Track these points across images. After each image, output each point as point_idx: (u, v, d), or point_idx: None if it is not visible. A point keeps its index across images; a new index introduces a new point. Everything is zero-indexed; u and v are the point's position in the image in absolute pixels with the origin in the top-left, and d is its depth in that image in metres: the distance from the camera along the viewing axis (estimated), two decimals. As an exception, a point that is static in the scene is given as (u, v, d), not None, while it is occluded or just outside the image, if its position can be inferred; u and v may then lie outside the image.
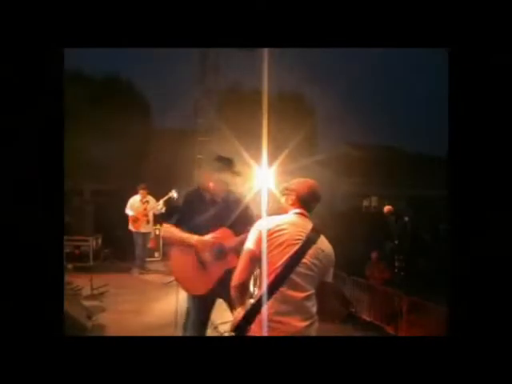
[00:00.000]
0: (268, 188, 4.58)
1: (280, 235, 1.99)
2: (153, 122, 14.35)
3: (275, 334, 1.80)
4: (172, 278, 2.95)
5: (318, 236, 2.06)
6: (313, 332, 1.88)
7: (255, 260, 2.01)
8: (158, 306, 5.56)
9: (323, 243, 2.06)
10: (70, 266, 7.47)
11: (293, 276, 1.92)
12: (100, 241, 8.65)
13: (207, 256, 2.76)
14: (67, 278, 5.91)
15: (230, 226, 2.83)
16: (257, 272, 2.14)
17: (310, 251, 1.97)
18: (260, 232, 2.02)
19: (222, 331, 4.19)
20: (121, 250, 9.06)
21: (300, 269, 1.93)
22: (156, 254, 8.92)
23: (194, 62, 10.50)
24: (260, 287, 1.99)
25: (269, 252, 1.97)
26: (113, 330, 4.47)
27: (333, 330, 1.80)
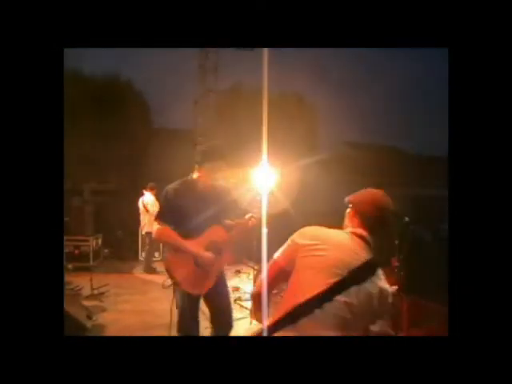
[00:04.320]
0: (268, 188, 4.57)
1: (313, 256, 1.61)
2: (153, 122, 14.38)
3: None
4: (170, 281, 2.93)
5: (372, 274, 1.59)
6: None
7: (280, 274, 1.67)
8: (158, 306, 5.56)
9: (375, 284, 1.58)
10: (69, 266, 7.48)
11: (317, 311, 1.55)
12: (100, 241, 8.66)
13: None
14: (67, 278, 5.92)
15: (219, 220, 2.89)
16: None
17: (353, 290, 1.54)
18: (294, 244, 1.67)
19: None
20: (121, 250, 9.07)
21: (329, 306, 1.55)
22: (156, 254, 8.92)
23: (193, 62, 10.51)
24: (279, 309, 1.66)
25: (296, 271, 1.63)
26: (113, 330, 4.48)
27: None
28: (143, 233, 8.14)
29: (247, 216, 3.02)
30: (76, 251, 7.77)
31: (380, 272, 1.62)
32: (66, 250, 7.36)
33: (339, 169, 14.16)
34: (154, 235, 2.86)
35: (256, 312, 1.76)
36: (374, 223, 1.66)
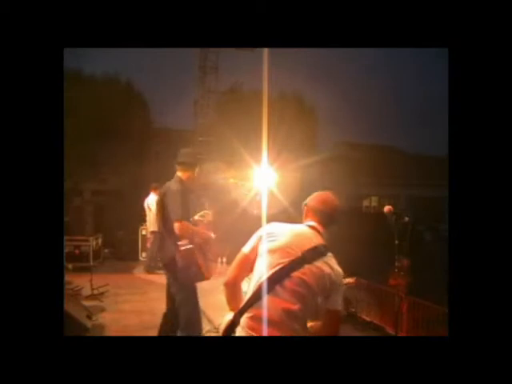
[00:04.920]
0: (268, 188, 4.57)
1: (271, 241, 1.90)
2: (153, 121, 14.37)
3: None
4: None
5: (323, 255, 1.88)
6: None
7: (248, 264, 1.95)
8: (158, 306, 5.56)
9: (327, 264, 1.86)
10: (69, 266, 7.46)
11: (277, 287, 1.80)
12: (100, 241, 8.65)
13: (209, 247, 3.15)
14: (67, 277, 5.90)
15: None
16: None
17: (307, 268, 1.82)
18: (258, 236, 1.96)
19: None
20: (121, 250, 9.06)
21: (287, 282, 1.80)
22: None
23: (193, 62, 10.53)
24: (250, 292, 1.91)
25: (258, 257, 1.91)
26: (113, 330, 4.47)
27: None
28: (144, 232, 8.13)
29: (201, 213, 3.23)
30: (76, 251, 7.75)
31: (330, 254, 1.91)
32: (66, 249, 7.34)
33: (339, 169, 14.16)
34: (177, 232, 2.91)
35: (229, 301, 1.98)
36: (322, 216, 2.02)
